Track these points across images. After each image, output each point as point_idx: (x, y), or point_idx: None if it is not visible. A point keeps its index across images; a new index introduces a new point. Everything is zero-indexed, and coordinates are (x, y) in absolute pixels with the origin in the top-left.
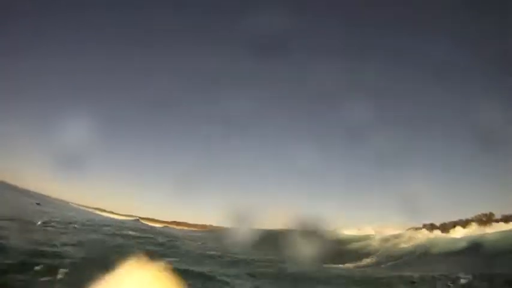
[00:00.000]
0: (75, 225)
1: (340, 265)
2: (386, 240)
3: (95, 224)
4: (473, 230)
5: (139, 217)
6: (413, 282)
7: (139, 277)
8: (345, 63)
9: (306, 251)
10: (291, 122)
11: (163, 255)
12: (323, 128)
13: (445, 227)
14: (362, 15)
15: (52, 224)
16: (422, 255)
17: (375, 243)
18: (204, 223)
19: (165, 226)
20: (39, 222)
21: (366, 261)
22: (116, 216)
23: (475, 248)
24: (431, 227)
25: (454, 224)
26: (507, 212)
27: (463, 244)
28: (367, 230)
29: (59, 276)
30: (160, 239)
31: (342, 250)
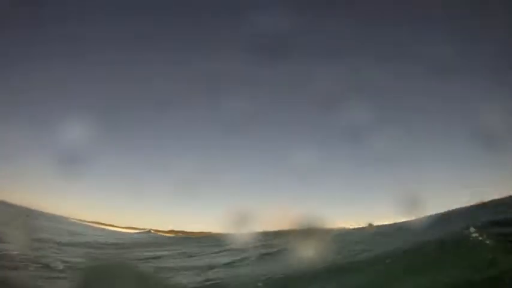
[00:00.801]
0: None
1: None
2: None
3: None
4: None
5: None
6: None
7: None
8: (345, 64)
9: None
10: (291, 122)
11: None
12: (323, 128)
13: None
14: (362, 16)
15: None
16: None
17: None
18: (201, 230)
19: (175, 235)
20: (60, 267)
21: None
22: (120, 230)
23: None
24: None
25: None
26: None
27: None
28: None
29: None
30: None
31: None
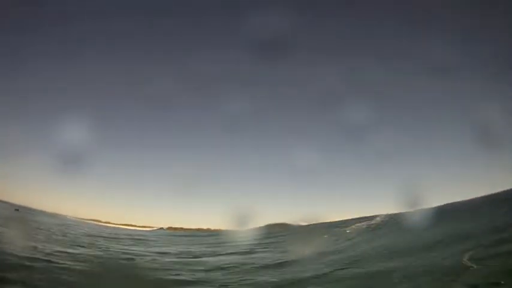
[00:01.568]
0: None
1: None
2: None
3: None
4: None
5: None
6: None
7: None
8: (345, 63)
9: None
10: (291, 122)
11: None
12: (323, 128)
13: None
14: (362, 16)
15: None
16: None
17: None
18: (200, 227)
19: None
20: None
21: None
22: (136, 228)
23: None
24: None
25: None
26: None
27: None
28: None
29: None
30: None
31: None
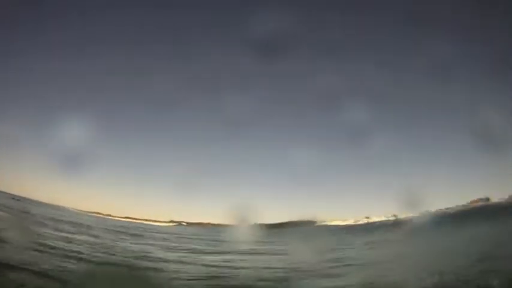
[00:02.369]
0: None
1: None
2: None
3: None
4: None
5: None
6: None
7: None
8: (345, 63)
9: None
10: (291, 122)
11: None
12: (323, 127)
13: None
14: (363, 16)
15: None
16: None
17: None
18: (201, 221)
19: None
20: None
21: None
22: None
23: None
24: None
25: None
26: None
27: None
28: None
29: None
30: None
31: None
